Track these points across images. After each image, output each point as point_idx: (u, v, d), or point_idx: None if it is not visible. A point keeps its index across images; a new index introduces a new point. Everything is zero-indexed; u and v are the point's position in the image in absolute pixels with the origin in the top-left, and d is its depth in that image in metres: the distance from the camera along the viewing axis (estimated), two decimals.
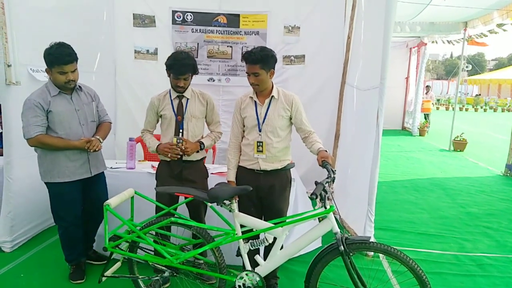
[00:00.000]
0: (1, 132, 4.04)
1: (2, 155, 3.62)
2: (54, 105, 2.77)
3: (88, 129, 2.95)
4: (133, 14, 4.94)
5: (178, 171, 2.88)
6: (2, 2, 3.20)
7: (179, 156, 2.81)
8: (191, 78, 2.87)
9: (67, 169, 2.85)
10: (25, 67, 3.51)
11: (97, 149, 2.89)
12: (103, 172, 3.16)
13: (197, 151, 2.90)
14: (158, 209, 2.85)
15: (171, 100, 2.89)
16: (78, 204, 3.00)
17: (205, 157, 3.07)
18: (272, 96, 2.65)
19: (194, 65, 2.80)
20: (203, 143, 2.92)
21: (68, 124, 2.82)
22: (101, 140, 2.97)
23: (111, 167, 3.40)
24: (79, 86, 2.96)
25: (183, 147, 2.78)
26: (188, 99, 2.90)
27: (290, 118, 2.69)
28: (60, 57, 2.68)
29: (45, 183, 2.90)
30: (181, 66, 2.73)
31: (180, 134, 2.87)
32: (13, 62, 3.34)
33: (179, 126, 2.87)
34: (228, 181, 2.76)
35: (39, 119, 2.71)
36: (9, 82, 3.32)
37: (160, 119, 2.99)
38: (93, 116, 3.01)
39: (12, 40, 3.32)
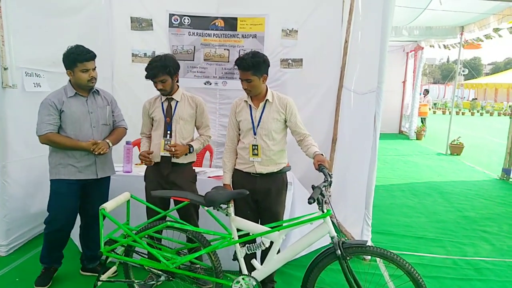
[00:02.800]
0: None
1: None
2: (67, 106, 2.84)
3: (99, 132, 2.98)
4: (131, 17, 4.93)
5: (166, 174, 2.90)
6: None
7: (152, 163, 2.90)
8: (174, 79, 2.87)
9: (75, 169, 2.88)
10: (22, 70, 3.50)
11: (102, 152, 2.90)
12: (109, 178, 3.15)
13: (186, 154, 2.92)
14: (149, 212, 2.86)
15: (162, 103, 2.94)
16: (74, 210, 2.98)
17: (194, 161, 3.07)
18: (267, 99, 2.65)
19: (165, 65, 2.75)
20: (192, 146, 2.95)
21: (79, 125, 2.88)
22: (110, 144, 3.00)
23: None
24: (97, 90, 3.01)
25: (173, 149, 2.82)
26: (177, 101, 2.93)
27: (285, 121, 2.69)
28: (82, 54, 2.79)
29: (50, 180, 2.92)
30: (150, 69, 2.77)
31: (168, 135, 2.90)
32: (10, 65, 3.33)
33: (167, 127, 2.91)
34: (223, 184, 2.76)
35: (51, 118, 2.78)
36: (5, 85, 3.32)
37: (152, 121, 3.03)
38: (105, 120, 3.04)
39: (8, 43, 3.32)
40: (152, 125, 3.04)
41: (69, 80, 2.90)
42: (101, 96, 3.06)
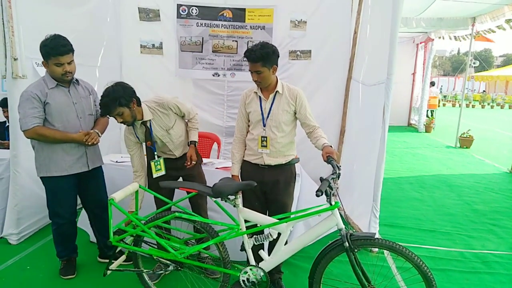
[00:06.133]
0: (8, 125, 4.06)
1: (9, 148, 3.64)
2: (51, 97, 2.73)
3: (86, 122, 2.90)
4: (138, 7, 4.92)
5: (173, 162, 2.92)
6: None
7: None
8: (133, 107, 2.61)
9: (65, 163, 2.81)
10: (31, 60, 3.52)
11: (95, 142, 2.85)
12: (100, 167, 3.12)
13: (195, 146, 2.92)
14: (158, 202, 2.88)
15: (137, 130, 2.79)
16: (74, 200, 2.99)
17: (197, 141, 3.04)
18: (277, 91, 2.63)
19: (114, 98, 2.50)
20: (194, 141, 2.92)
21: (66, 116, 2.78)
22: (100, 134, 2.94)
23: (116, 161, 3.41)
24: (76, 80, 2.92)
25: (193, 162, 2.84)
26: (150, 120, 2.76)
27: (295, 113, 2.67)
28: (55, 48, 2.63)
29: (41, 178, 2.86)
30: (102, 107, 2.55)
31: (156, 157, 2.83)
32: (20, 55, 3.35)
33: (151, 150, 2.81)
34: (232, 175, 2.76)
35: (36, 111, 2.66)
36: (15, 75, 3.34)
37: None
38: (90, 110, 2.97)
39: (18, 33, 3.33)
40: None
41: (46, 71, 2.78)
42: (82, 86, 2.94)
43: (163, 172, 2.85)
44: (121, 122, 2.62)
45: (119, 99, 2.52)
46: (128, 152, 2.84)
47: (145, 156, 2.90)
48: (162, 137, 2.82)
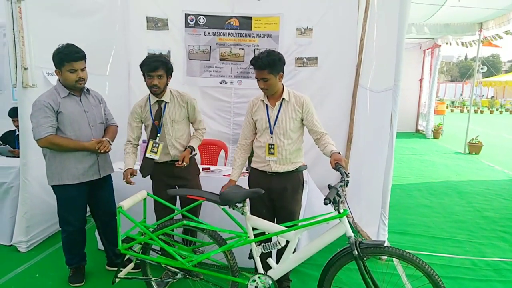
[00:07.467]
0: (18, 134, 4.10)
1: (19, 157, 3.67)
2: (64, 106, 2.77)
3: (97, 131, 2.95)
4: (146, 17, 4.98)
5: (170, 169, 2.94)
6: (19, 7, 3.26)
7: (133, 183, 2.83)
8: (168, 79, 2.88)
9: (77, 171, 2.84)
10: (41, 70, 3.57)
11: (107, 150, 2.89)
12: (110, 175, 3.15)
13: (191, 153, 2.94)
14: (157, 209, 2.91)
15: (150, 106, 2.90)
16: (84, 207, 3.02)
17: (196, 153, 3.08)
18: (283, 98, 2.64)
19: (166, 62, 2.81)
20: (193, 147, 2.95)
21: (77, 125, 2.82)
22: (111, 142, 2.98)
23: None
24: (87, 89, 2.97)
25: (184, 164, 2.83)
26: (166, 103, 2.90)
27: (302, 120, 2.67)
28: (69, 54, 2.71)
29: (53, 186, 2.89)
30: (152, 62, 2.75)
31: (158, 138, 2.88)
32: (30, 65, 3.40)
33: (156, 130, 2.89)
34: (230, 180, 2.75)
35: (49, 120, 2.70)
36: (25, 85, 3.38)
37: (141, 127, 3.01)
38: (101, 118, 3.02)
39: (28, 43, 3.38)
40: (142, 129, 3.02)
41: (58, 80, 2.83)
42: (92, 95, 3.00)
43: (156, 157, 2.88)
44: (153, 85, 2.78)
45: (169, 64, 2.84)
46: (129, 122, 2.98)
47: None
48: (165, 125, 2.90)
